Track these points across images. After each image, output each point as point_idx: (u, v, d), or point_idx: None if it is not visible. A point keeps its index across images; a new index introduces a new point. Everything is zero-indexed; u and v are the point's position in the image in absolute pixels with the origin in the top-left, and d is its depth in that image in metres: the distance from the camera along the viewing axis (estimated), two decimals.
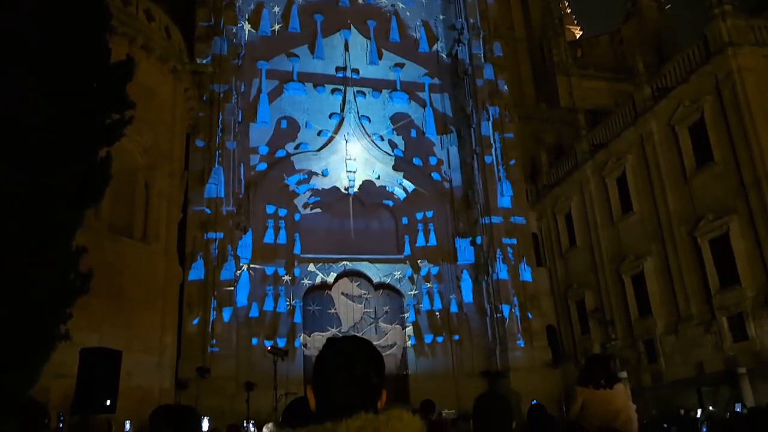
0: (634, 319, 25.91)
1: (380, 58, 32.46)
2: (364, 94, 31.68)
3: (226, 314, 25.10)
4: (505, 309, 27.77)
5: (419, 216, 30.69)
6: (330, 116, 30.95)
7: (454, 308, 29.30)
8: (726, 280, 21.61)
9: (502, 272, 28.17)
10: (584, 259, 29.26)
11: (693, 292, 22.98)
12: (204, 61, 27.45)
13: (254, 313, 26.86)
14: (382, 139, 31.16)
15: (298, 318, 27.89)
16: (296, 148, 30.06)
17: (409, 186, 30.90)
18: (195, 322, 24.38)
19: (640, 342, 25.18)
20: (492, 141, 30.39)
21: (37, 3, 10.37)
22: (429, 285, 29.69)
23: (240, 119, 28.46)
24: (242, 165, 28.30)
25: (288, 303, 27.81)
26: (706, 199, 22.53)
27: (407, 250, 30.30)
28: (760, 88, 21.30)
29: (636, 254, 25.83)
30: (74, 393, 10.25)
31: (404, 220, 30.76)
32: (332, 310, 29.31)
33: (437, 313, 29.38)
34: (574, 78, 39.74)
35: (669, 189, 24.26)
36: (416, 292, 29.58)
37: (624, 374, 22.66)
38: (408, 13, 33.89)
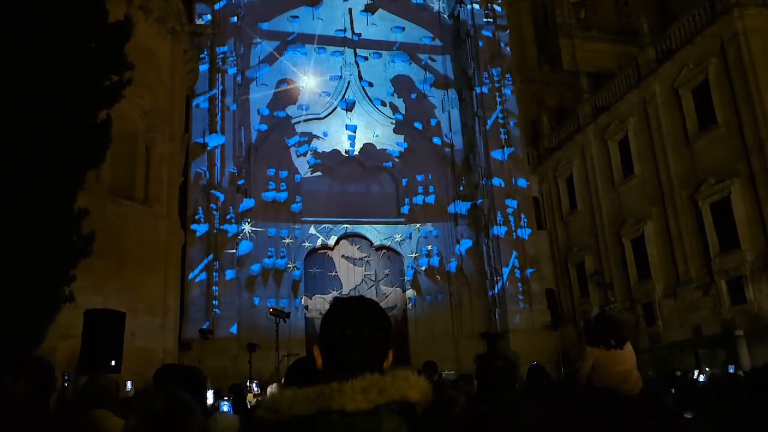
0: (633, 282, 26.08)
1: (380, 20, 31.99)
2: (363, 55, 31.33)
3: (228, 276, 25.30)
4: (505, 272, 27.94)
5: (420, 178, 30.65)
6: (331, 78, 30.69)
7: (454, 270, 29.49)
8: (726, 243, 21.68)
9: (502, 235, 28.27)
10: (585, 223, 29.31)
11: (693, 256, 23.08)
12: (203, 22, 27.09)
13: (256, 274, 27.08)
14: (384, 104, 30.92)
15: (299, 280, 28.10)
16: (297, 110, 29.90)
17: (410, 149, 30.79)
18: (198, 279, 24.58)
19: (639, 305, 25.39)
20: (493, 103, 30.17)
21: None
22: (429, 247, 29.84)
23: (240, 81, 28.23)
24: (242, 127, 28.19)
25: (289, 265, 27.99)
26: (708, 162, 22.45)
27: (407, 213, 30.35)
28: (765, 50, 21.03)
29: (636, 218, 25.86)
30: (79, 354, 10.41)
31: (404, 182, 30.71)
32: (333, 273, 29.51)
33: (437, 276, 29.59)
34: (577, 40, 39.19)
35: (671, 152, 24.16)
36: (416, 254, 29.73)
37: None
38: None
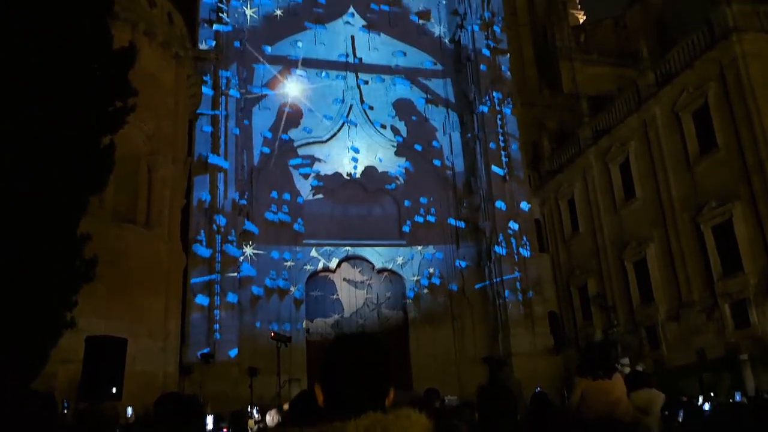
0: (636, 305, 25.97)
1: (382, 45, 32.33)
2: (365, 80, 31.60)
3: (230, 299, 25.24)
4: (507, 294, 27.85)
5: (422, 201, 30.70)
6: (333, 102, 30.93)
7: (456, 294, 29.39)
8: (729, 266, 21.64)
9: (504, 257, 28.22)
10: (587, 245, 29.28)
11: (695, 279, 23.02)
12: (206, 47, 27.38)
13: (258, 298, 27.02)
14: (384, 127, 31.10)
15: (301, 303, 28.02)
16: (299, 133, 30.10)
17: (412, 171, 30.91)
18: (199, 303, 24.51)
19: (642, 328, 25.25)
20: (494, 126, 30.33)
21: None
22: (431, 270, 29.78)
23: (243, 105, 28.46)
24: (245, 150, 28.34)
25: (291, 288, 27.93)
26: (710, 185, 22.49)
27: (409, 235, 30.34)
28: (764, 74, 21.18)
29: (638, 240, 25.84)
30: (80, 380, 10.35)
31: (406, 203, 30.73)
32: (334, 296, 29.42)
33: (440, 299, 29.49)
34: (577, 63, 39.49)
35: (672, 175, 24.22)
36: (418, 277, 29.66)
37: (626, 360, 22.78)
38: None
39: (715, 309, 21.88)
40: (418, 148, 31.29)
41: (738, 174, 21.36)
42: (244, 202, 27.35)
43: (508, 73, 31.75)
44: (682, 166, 23.81)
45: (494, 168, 29.62)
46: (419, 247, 30.05)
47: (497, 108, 30.56)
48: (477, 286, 29.34)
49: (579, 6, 67.54)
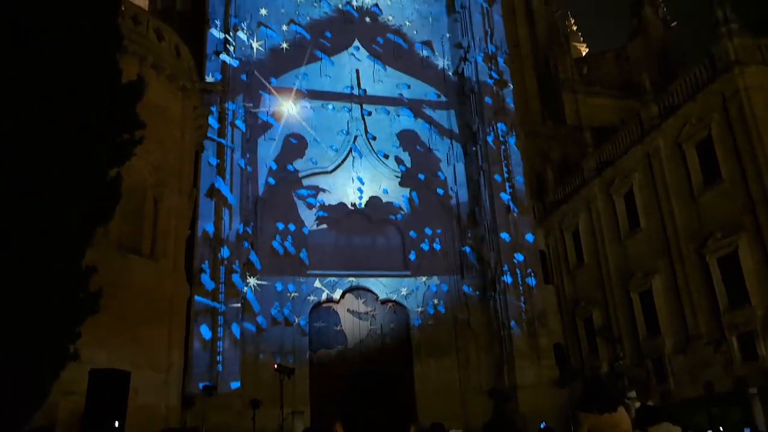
0: (642, 337, 25.77)
1: (387, 76, 32.70)
2: (371, 112, 31.91)
3: (233, 330, 25.12)
4: (513, 326, 27.67)
5: (426, 231, 30.70)
6: (338, 133, 31.19)
7: (461, 325, 29.21)
8: (735, 298, 21.51)
9: (509, 289, 28.12)
10: (592, 277, 29.17)
11: (702, 311, 22.87)
12: (213, 79, 27.72)
13: (261, 329, 26.88)
14: (387, 157, 31.28)
15: (304, 335, 27.87)
16: (304, 164, 30.29)
17: (416, 202, 31.00)
18: (203, 334, 24.40)
19: (649, 361, 25.01)
20: (498, 158, 30.48)
21: (49, 24, 10.49)
22: (435, 301, 29.64)
23: (248, 136, 28.70)
24: (250, 181, 28.49)
25: (295, 319, 27.82)
26: (714, 216, 22.48)
27: (413, 266, 30.28)
28: (767, 107, 21.31)
29: (644, 271, 25.74)
30: (83, 414, 10.27)
31: (412, 234, 30.72)
32: (338, 327, 29.24)
33: (444, 330, 29.28)
34: (580, 95, 39.83)
35: (676, 206, 24.23)
36: (423, 308, 29.51)
37: (633, 394, 22.49)
38: (415, 32, 34.15)
39: (722, 341, 21.69)
40: (423, 179, 31.41)
41: (743, 205, 21.36)
42: (249, 231, 27.39)
43: (511, 104, 32.02)
44: (687, 197, 23.84)
45: (498, 199, 29.67)
46: (423, 278, 29.96)
47: (501, 139, 30.75)
48: (481, 318, 29.14)
49: (581, 39, 68.35)
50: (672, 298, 24.35)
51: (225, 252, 25.74)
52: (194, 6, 32.56)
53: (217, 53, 28.74)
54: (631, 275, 26.48)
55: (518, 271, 28.51)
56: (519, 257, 28.74)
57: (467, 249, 30.31)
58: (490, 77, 32.13)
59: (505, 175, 30.17)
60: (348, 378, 2.19)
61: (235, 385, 24.26)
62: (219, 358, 24.34)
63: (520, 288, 28.30)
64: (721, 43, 22.37)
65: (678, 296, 23.97)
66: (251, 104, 29.46)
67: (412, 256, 30.40)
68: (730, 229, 21.69)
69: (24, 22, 10.04)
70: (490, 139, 30.72)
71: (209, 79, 27.70)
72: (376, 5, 33.96)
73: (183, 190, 22.44)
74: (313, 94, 31.27)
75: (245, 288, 26.40)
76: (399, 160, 31.51)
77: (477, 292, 29.56)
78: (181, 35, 23.90)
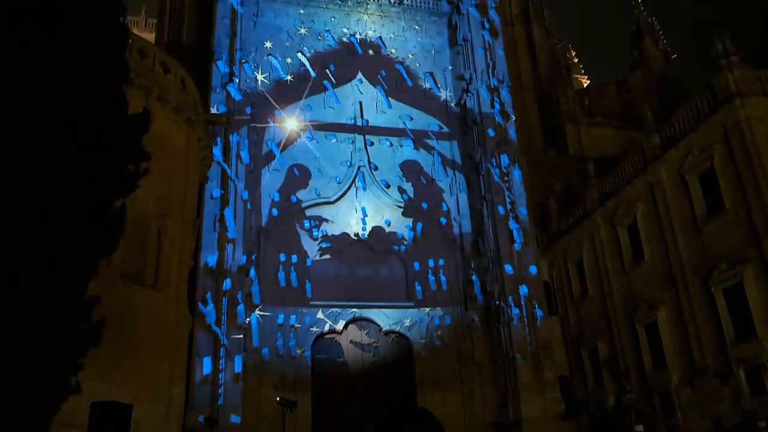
0: (648, 369, 25.46)
1: (390, 108, 32.99)
2: (373, 142, 32.10)
3: (235, 362, 24.91)
4: (517, 358, 27.40)
5: (430, 262, 30.61)
6: (341, 164, 31.34)
7: (464, 357, 28.92)
8: (742, 331, 21.31)
9: (513, 320, 27.92)
10: (596, 308, 28.97)
11: (708, 343, 22.63)
12: (218, 111, 27.98)
13: (263, 361, 26.64)
14: (388, 186, 31.37)
15: (307, 367, 27.61)
16: (308, 194, 30.39)
17: (419, 232, 30.98)
18: (204, 366, 24.20)
19: (656, 394, 24.66)
20: (501, 188, 30.53)
21: (57, 57, 10.62)
22: (439, 333, 29.40)
23: (252, 167, 28.84)
24: (253, 212, 28.54)
25: (297, 351, 27.58)
26: (719, 247, 22.38)
27: (417, 297, 30.11)
28: None
29: (649, 303, 25.56)
30: None
31: (416, 266, 30.61)
32: (341, 358, 28.98)
33: (448, 362, 28.99)
34: (582, 126, 40.12)
35: (680, 237, 24.15)
36: (426, 339, 29.27)
37: (640, 428, 22.19)
38: (418, 64, 34.55)
39: (730, 375, 21.41)
40: (426, 209, 31.44)
41: (747, 237, 21.28)
42: (252, 261, 27.34)
43: (514, 135, 32.19)
44: (691, 228, 23.78)
45: (502, 230, 29.65)
46: (427, 309, 29.78)
47: (504, 170, 30.84)
48: (485, 350, 28.86)
49: (582, 71, 69.07)
50: (678, 330, 24.12)
51: (227, 283, 25.68)
52: (200, 39, 33.07)
53: (223, 85, 29.08)
54: (636, 307, 26.29)
55: (522, 302, 28.34)
56: (523, 288, 28.60)
57: (473, 279, 30.14)
58: (493, 108, 32.38)
59: (509, 206, 30.18)
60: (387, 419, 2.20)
61: (236, 418, 23.97)
62: (220, 390, 24.10)
63: (525, 319, 28.10)
64: (721, 75, 22.54)
65: (684, 328, 23.74)
66: (255, 136, 29.67)
67: (415, 287, 30.26)
68: (735, 261, 21.57)
69: (34, 57, 10.17)
70: (494, 171, 30.81)
71: (214, 110, 27.95)
72: (380, 38, 34.43)
73: (186, 220, 22.43)
74: (317, 126, 31.51)
75: (247, 319, 26.25)
76: (402, 191, 31.59)
77: (481, 324, 29.33)
78: (186, 67, 24.15)
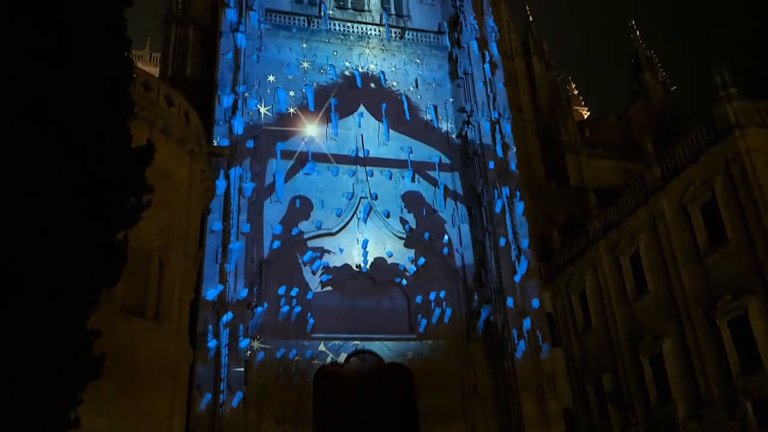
0: (653, 402, 25.17)
1: (391, 140, 33.22)
2: (375, 174, 32.24)
3: (236, 396, 24.63)
4: (521, 391, 27.07)
5: (432, 295, 30.45)
6: (343, 196, 31.44)
7: (468, 390, 28.59)
8: (748, 362, 21.10)
9: (517, 353, 27.67)
10: (600, 339, 28.73)
11: (714, 375, 22.38)
12: (221, 143, 28.19)
13: (264, 394, 26.34)
14: (389, 216, 31.40)
15: (309, 400, 27.30)
16: (309, 225, 30.41)
17: (421, 263, 30.89)
18: (205, 399, 23.94)
19: (662, 427, 24.33)
20: (503, 220, 30.55)
21: (62, 92, 10.74)
22: (442, 365, 29.10)
23: (255, 199, 28.93)
24: (255, 244, 28.53)
25: (299, 384, 27.30)
26: (722, 278, 22.29)
27: (419, 329, 29.90)
28: None
29: (653, 334, 25.35)
30: None
31: (418, 300, 30.46)
32: (343, 391, 28.65)
33: (451, 395, 28.66)
34: (582, 157, 40.30)
35: (683, 268, 24.06)
36: (429, 372, 28.95)
37: None
38: (419, 97, 34.91)
39: (736, 407, 21.13)
40: (428, 240, 31.42)
41: (751, 268, 21.21)
42: (254, 294, 27.23)
43: (515, 167, 32.30)
44: (693, 259, 23.71)
45: (504, 262, 29.57)
46: (429, 341, 29.54)
47: (505, 201, 30.89)
48: (489, 383, 28.54)
49: (582, 102, 69.66)
50: (683, 362, 23.89)
51: (229, 316, 25.54)
52: (204, 72, 33.51)
53: (226, 118, 29.34)
54: (640, 338, 26.07)
55: (526, 334, 28.11)
56: (526, 320, 28.40)
57: (476, 311, 29.94)
58: (493, 140, 32.58)
59: (511, 238, 30.15)
60: None
61: None
62: (221, 424, 23.78)
63: (528, 351, 27.83)
64: (720, 107, 22.71)
65: (689, 360, 23.51)
66: (258, 168, 29.82)
67: (418, 319, 30.08)
68: (739, 292, 21.45)
69: (39, 92, 10.29)
70: (494, 201, 30.87)
71: (217, 143, 28.15)
72: (381, 71, 34.83)
73: (188, 252, 22.41)
74: (319, 157, 31.69)
75: (248, 352, 26.03)
76: (404, 222, 31.61)
77: (484, 356, 29.06)
78: (190, 100, 24.40)
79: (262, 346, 26.80)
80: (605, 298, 28.58)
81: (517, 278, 29.27)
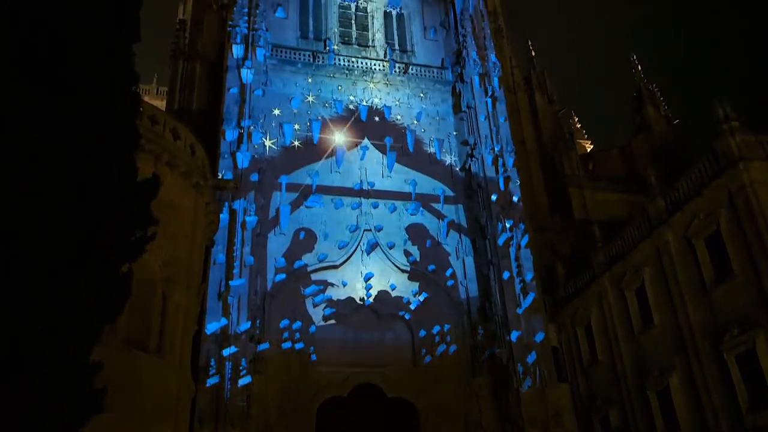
0: None
1: (395, 172, 33.39)
2: (379, 206, 32.33)
3: (239, 430, 24.32)
4: (527, 426, 26.67)
5: (436, 329, 30.25)
6: (347, 228, 31.48)
7: (473, 425, 28.19)
8: (757, 398, 20.77)
9: (522, 388, 27.34)
10: (607, 374, 28.36)
11: (722, 411, 22.02)
12: (225, 176, 28.36)
13: (267, 428, 26.02)
14: (392, 248, 31.39)
15: None
16: (313, 258, 30.38)
17: (425, 296, 30.76)
18: None
19: None
20: (507, 252, 30.49)
21: (72, 128, 10.86)
22: (447, 399, 28.77)
23: (258, 231, 28.98)
24: (258, 276, 28.49)
25: (302, 418, 26.98)
26: (729, 312, 22.08)
27: (423, 362, 29.64)
28: None
29: (660, 369, 25.02)
30: None
31: (422, 333, 30.25)
32: (346, 425, 28.31)
33: (455, 429, 28.26)
34: (586, 190, 40.24)
35: (690, 302, 23.86)
36: (433, 407, 28.60)
37: None
38: (423, 130, 35.21)
39: None
40: (432, 273, 31.34)
41: (758, 301, 21.02)
42: (257, 327, 27.09)
43: (519, 200, 32.35)
44: (700, 292, 23.52)
45: (509, 295, 29.42)
46: (433, 375, 29.24)
47: (509, 234, 30.87)
48: (494, 417, 28.15)
49: (585, 136, 70.01)
50: (691, 397, 23.53)
51: (231, 349, 25.38)
52: (210, 106, 33.86)
53: (231, 152, 29.57)
54: (647, 373, 25.73)
55: (531, 369, 27.80)
56: (531, 354, 28.11)
57: (479, 345, 29.68)
58: (497, 173, 32.71)
59: (515, 271, 30.05)
60: None
61: None
62: None
63: (534, 386, 27.50)
64: (723, 140, 22.76)
65: (697, 395, 23.17)
66: (262, 200, 29.95)
67: (422, 353, 29.83)
68: (746, 326, 21.22)
69: (47, 125, 10.40)
70: (498, 234, 30.85)
71: (222, 175, 28.32)
72: (385, 105, 35.19)
73: (192, 285, 22.36)
74: (323, 190, 31.86)
75: (251, 386, 25.77)
76: (408, 254, 31.59)
77: (489, 391, 28.71)
78: (196, 133, 24.59)
79: (265, 379, 26.53)
80: (611, 332, 28.29)
81: (521, 311, 29.08)
